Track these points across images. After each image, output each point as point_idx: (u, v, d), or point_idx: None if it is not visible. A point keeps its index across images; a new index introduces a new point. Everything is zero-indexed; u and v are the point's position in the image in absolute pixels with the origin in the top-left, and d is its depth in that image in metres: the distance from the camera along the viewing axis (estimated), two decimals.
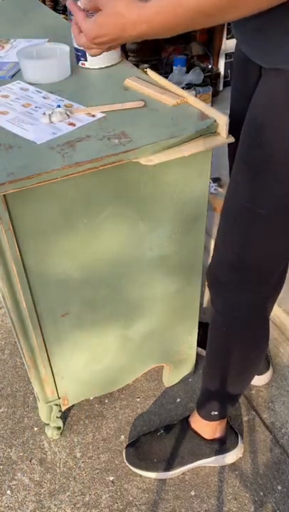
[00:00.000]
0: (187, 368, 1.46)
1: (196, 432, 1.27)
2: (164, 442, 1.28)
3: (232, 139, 0.92)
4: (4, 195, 0.82)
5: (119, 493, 1.26)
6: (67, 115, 0.95)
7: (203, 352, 1.43)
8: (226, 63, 2.85)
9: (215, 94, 2.83)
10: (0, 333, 1.68)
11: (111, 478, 1.29)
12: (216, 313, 1.07)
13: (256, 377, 1.46)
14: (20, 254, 0.91)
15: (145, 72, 1.11)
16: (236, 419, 1.40)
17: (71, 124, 0.93)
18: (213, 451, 1.27)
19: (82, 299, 1.07)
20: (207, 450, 1.26)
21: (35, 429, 1.40)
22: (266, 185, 0.84)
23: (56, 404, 1.27)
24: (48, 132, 0.91)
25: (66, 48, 1.12)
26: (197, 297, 1.25)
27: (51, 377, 1.18)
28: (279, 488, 1.26)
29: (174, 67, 2.63)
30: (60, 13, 2.45)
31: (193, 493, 1.26)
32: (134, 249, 1.04)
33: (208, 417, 1.23)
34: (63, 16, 2.23)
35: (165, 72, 2.68)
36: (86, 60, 1.13)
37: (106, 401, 1.46)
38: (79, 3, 0.88)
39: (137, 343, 1.26)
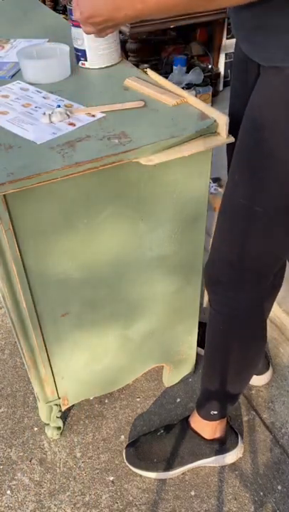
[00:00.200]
0: (187, 367, 1.46)
1: (196, 432, 1.27)
2: (164, 442, 1.28)
3: (232, 139, 0.92)
4: (4, 195, 0.82)
5: (119, 493, 1.26)
6: (67, 115, 0.95)
7: (203, 352, 1.43)
8: (225, 63, 2.85)
9: (215, 94, 2.84)
10: (0, 333, 1.68)
11: (111, 478, 1.29)
12: (215, 312, 1.07)
13: (256, 377, 1.46)
14: (21, 254, 0.91)
15: (145, 72, 1.11)
16: (236, 419, 1.40)
17: (71, 124, 0.93)
18: (213, 451, 1.27)
19: (82, 299, 1.07)
20: (207, 450, 1.26)
21: (35, 429, 1.40)
22: (264, 184, 0.84)
23: (56, 404, 1.27)
24: (48, 132, 0.91)
25: (66, 48, 1.12)
26: (197, 297, 1.25)
27: (51, 377, 1.18)
28: (279, 488, 1.26)
29: (174, 67, 2.63)
30: (60, 13, 2.45)
31: (193, 493, 1.26)
32: (134, 249, 1.04)
33: (208, 417, 1.23)
34: (63, 15, 2.23)
35: (165, 72, 2.68)
36: (86, 60, 1.13)
37: (106, 401, 1.46)
38: None
39: (137, 343, 1.26)
